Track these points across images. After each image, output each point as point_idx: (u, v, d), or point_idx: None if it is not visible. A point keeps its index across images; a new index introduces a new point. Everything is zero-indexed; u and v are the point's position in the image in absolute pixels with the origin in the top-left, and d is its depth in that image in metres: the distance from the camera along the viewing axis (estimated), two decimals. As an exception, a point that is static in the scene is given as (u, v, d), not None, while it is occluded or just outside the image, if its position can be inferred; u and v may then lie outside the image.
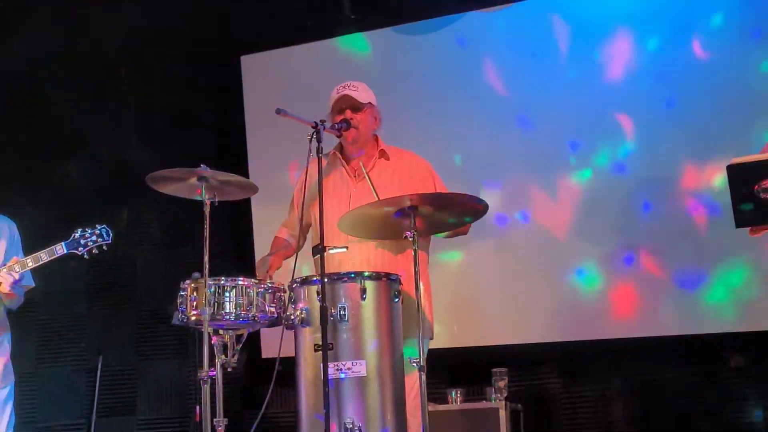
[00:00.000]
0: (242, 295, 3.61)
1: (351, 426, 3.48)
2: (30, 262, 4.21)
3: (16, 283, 4.14)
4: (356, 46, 6.06)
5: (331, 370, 3.43)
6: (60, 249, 4.22)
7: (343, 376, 3.50)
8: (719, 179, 5.00)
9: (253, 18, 6.18)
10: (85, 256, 4.28)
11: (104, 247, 4.30)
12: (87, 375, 5.62)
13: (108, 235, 4.29)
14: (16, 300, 4.36)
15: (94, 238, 4.27)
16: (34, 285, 4.47)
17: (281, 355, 3.71)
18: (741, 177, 3.08)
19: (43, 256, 4.21)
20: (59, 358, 5.20)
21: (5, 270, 4.15)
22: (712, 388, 5.13)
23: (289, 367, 3.73)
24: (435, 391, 4.39)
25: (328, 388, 3.38)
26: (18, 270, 4.16)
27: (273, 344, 4.16)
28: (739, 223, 3.26)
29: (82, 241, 4.25)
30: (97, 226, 4.28)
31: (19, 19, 6.03)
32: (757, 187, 3.04)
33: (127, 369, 5.76)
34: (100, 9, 5.99)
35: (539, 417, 5.28)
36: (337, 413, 3.46)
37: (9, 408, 4.32)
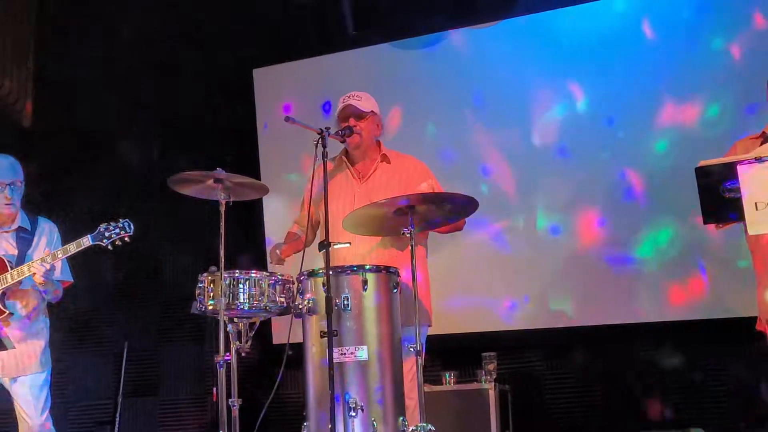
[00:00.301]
0: (255, 287, 3.69)
1: (354, 405, 3.54)
2: (60, 254, 4.28)
3: (47, 273, 4.22)
4: (359, 59, 6.14)
5: (335, 355, 3.50)
6: (86, 241, 4.25)
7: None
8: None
9: (262, 35, 6.27)
10: (109, 248, 4.30)
11: (126, 239, 4.30)
12: (114, 359, 5.70)
13: (130, 227, 4.30)
14: (53, 291, 4.43)
15: (117, 230, 4.28)
16: (72, 281, 4.57)
17: (290, 341, 3.78)
18: (707, 178, 3.15)
19: (71, 248, 4.27)
20: (89, 344, 5.26)
21: (38, 261, 4.24)
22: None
23: (297, 352, 3.80)
24: (430, 374, 4.44)
25: (333, 371, 3.46)
26: (49, 261, 4.24)
27: (283, 331, 4.29)
28: (706, 220, 3.35)
29: (107, 234, 4.27)
30: (120, 219, 4.30)
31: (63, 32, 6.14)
32: (723, 186, 3.11)
33: (150, 354, 5.84)
34: (133, 24, 6.11)
35: (525, 397, 5.36)
36: (341, 394, 3.53)
37: (45, 392, 4.39)
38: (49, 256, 4.27)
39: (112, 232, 4.29)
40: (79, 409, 5.01)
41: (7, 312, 4.28)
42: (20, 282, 4.28)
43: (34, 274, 4.21)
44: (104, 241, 4.28)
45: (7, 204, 4.38)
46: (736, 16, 5.44)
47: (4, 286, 4.26)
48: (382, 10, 6.04)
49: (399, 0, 5.99)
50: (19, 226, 4.47)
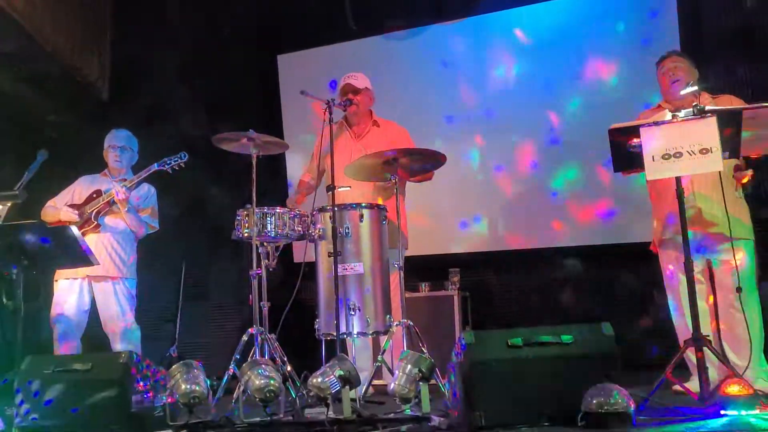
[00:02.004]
0: (279, 219, 3.73)
1: (353, 307, 3.62)
2: (135, 179, 4.38)
3: (126, 195, 4.28)
4: (358, 47, 6.02)
5: (339, 269, 3.56)
6: (152, 168, 4.36)
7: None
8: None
9: (285, 29, 6.18)
10: (170, 171, 4.38)
11: (182, 165, 4.38)
12: (175, 274, 5.70)
13: (185, 156, 4.38)
14: (136, 224, 4.46)
15: (176, 159, 4.36)
16: (158, 228, 4.61)
17: (306, 260, 3.89)
18: (617, 136, 3.13)
19: (143, 174, 4.37)
20: (157, 264, 5.24)
21: (120, 183, 4.33)
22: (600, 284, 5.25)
23: (310, 267, 3.86)
24: (409, 284, 4.46)
25: (338, 281, 3.52)
26: (128, 185, 4.34)
27: (300, 252, 4.37)
28: (616, 168, 3.34)
29: (167, 161, 4.36)
30: (180, 153, 4.39)
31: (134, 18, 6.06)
32: (629, 143, 3.10)
33: (202, 270, 5.85)
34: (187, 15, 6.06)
35: (481, 302, 5.36)
36: (343, 298, 3.59)
37: (133, 295, 4.46)
38: (128, 182, 4.37)
39: (172, 160, 4.37)
40: (151, 311, 5.02)
41: (95, 223, 4.34)
42: (109, 203, 4.33)
43: (116, 193, 4.27)
44: (165, 166, 4.36)
45: (116, 161, 4.53)
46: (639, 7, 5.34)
47: (98, 206, 4.33)
48: (376, 9, 5.94)
49: (389, 1, 5.89)
50: (124, 178, 4.49)
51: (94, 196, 4.37)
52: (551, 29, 5.53)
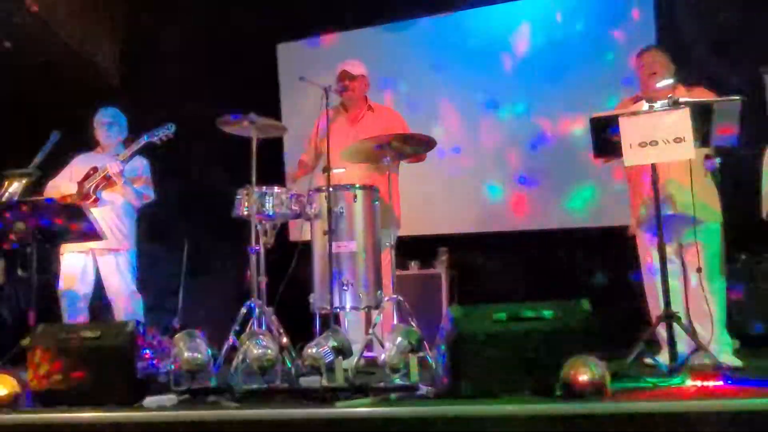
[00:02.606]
0: (277, 198, 3.66)
1: (345, 282, 3.58)
2: (128, 152, 4.27)
3: (121, 168, 4.19)
4: (356, 36, 5.96)
5: (333, 247, 3.53)
6: (142, 140, 4.25)
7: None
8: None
9: (284, 17, 6.07)
10: (158, 143, 4.26)
11: (171, 136, 4.27)
12: (178, 252, 5.62)
13: (171, 128, 4.26)
14: (132, 195, 4.38)
15: (164, 129, 4.25)
16: (153, 197, 4.52)
17: (302, 239, 3.83)
18: (597, 125, 3.12)
19: (134, 146, 4.27)
20: (161, 239, 5.18)
21: (114, 157, 4.25)
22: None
23: (306, 245, 3.80)
24: (399, 262, 4.42)
25: (332, 258, 3.50)
26: (121, 158, 4.23)
27: (295, 232, 4.30)
28: (596, 155, 3.32)
29: (155, 132, 4.24)
30: (166, 123, 4.28)
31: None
32: (609, 131, 3.08)
33: (205, 246, 5.78)
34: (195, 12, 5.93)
35: (468, 280, 5.35)
36: (337, 275, 3.56)
37: (133, 266, 4.42)
38: (121, 155, 4.27)
39: (160, 130, 4.25)
40: (155, 285, 4.96)
41: (94, 197, 4.25)
42: (105, 177, 4.24)
43: (110, 167, 4.19)
44: (154, 137, 4.25)
45: (106, 136, 4.44)
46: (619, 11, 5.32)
47: (95, 181, 4.25)
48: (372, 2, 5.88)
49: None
50: (116, 153, 4.40)
51: (91, 172, 4.29)
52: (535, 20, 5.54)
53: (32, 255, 3.76)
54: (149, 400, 2.75)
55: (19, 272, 3.88)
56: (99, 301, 4.40)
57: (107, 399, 2.79)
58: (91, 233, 3.77)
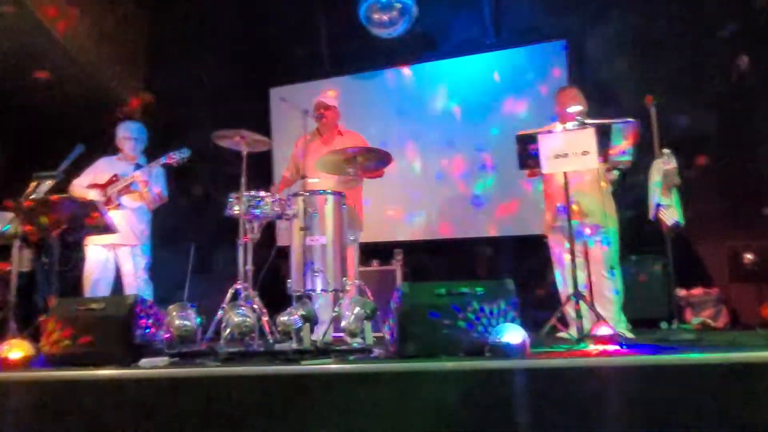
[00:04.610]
0: (262, 201, 3.51)
1: (317, 270, 3.42)
2: (147, 168, 4.10)
3: (145, 178, 4.03)
4: (332, 83, 5.79)
5: (307, 241, 3.39)
6: (161, 160, 4.07)
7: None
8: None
9: (277, 65, 5.99)
10: (173, 165, 4.08)
11: (185, 160, 4.07)
12: (185, 251, 5.34)
13: (187, 152, 4.08)
14: (151, 200, 4.19)
15: (180, 154, 4.06)
16: (167, 199, 4.31)
17: (281, 233, 3.69)
18: (523, 141, 3.05)
19: (154, 164, 4.10)
20: (169, 242, 4.90)
21: (139, 171, 4.07)
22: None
23: (286, 238, 3.62)
24: (363, 260, 4.30)
25: (306, 249, 3.36)
26: (146, 171, 4.07)
27: (282, 237, 4.14)
28: (521, 166, 3.24)
29: (173, 155, 4.05)
30: (182, 147, 4.09)
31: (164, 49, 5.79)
32: (530, 147, 3.02)
33: (207, 244, 5.49)
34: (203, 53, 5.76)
35: (418, 276, 5.09)
36: (310, 264, 3.41)
37: (146, 257, 4.23)
38: (147, 167, 4.12)
39: (176, 154, 4.07)
40: (166, 281, 4.69)
41: (116, 203, 4.09)
42: (128, 185, 4.07)
43: (137, 175, 4.05)
44: (172, 160, 4.06)
45: (131, 149, 4.25)
46: (541, 67, 5.31)
47: (118, 188, 4.08)
48: (345, 55, 5.81)
49: (355, 49, 5.68)
50: (137, 163, 4.23)
51: (114, 179, 4.10)
52: (479, 75, 5.50)
53: (55, 244, 3.53)
54: (144, 362, 2.56)
55: (43, 259, 3.63)
56: (118, 288, 4.17)
57: (108, 361, 2.59)
58: (106, 227, 3.56)
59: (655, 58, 4.76)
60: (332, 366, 2.32)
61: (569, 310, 3.24)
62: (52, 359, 2.72)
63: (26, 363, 2.62)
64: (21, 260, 4.04)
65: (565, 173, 2.99)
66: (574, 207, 3.43)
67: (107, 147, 4.37)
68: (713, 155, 4.51)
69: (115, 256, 4.14)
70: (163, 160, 4.08)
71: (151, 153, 4.34)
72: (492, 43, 5.47)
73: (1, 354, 2.58)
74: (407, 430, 2.10)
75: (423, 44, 5.51)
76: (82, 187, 4.14)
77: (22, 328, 3.15)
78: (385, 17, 4.79)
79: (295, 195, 3.56)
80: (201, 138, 5.18)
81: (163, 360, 2.58)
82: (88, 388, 2.36)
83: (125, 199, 4.14)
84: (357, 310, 2.67)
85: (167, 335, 2.76)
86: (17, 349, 2.64)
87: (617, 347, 2.51)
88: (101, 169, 4.22)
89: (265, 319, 3.36)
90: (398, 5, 4.78)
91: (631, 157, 3.15)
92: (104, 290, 4.06)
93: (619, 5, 4.88)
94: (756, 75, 4.44)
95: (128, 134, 4.27)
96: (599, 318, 2.89)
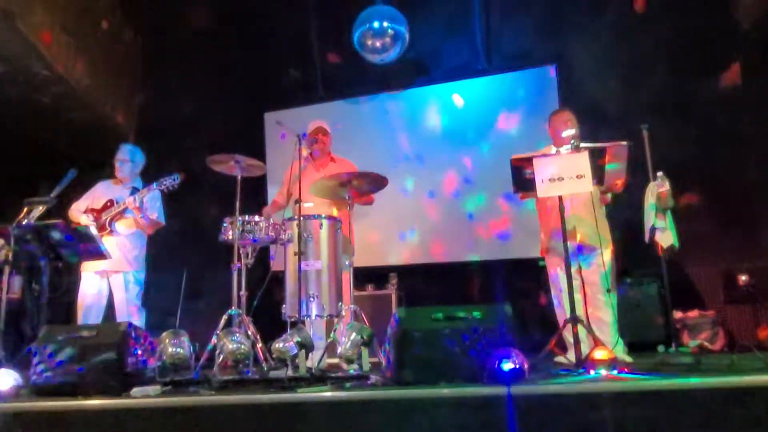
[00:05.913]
0: (256, 226, 3.48)
1: (312, 294, 3.39)
2: (140, 194, 4.04)
3: (138, 204, 3.97)
4: (325, 108, 5.90)
5: (302, 265, 3.36)
6: (152, 186, 4.00)
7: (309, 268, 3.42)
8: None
9: (271, 92, 6.01)
10: (166, 191, 4.02)
11: (176, 186, 3.99)
12: (177, 277, 5.28)
13: (177, 178, 4.00)
14: (146, 226, 4.15)
15: (170, 180, 3.99)
16: (164, 224, 4.27)
17: (275, 259, 3.64)
18: (517, 165, 3.06)
19: (146, 192, 4.04)
20: (163, 267, 4.84)
21: (132, 197, 4.02)
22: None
23: (279, 262, 3.60)
24: (358, 285, 4.27)
25: (301, 274, 3.32)
26: (138, 197, 4.01)
27: (277, 262, 4.04)
28: (516, 190, 3.24)
29: (164, 181, 3.99)
30: (173, 173, 4.02)
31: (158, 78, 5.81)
32: (524, 170, 3.02)
33: (199, 269, 5.44)
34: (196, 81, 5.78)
35: (412, 300, 5.11)
36: (305, 289, 3.38)
37: (139, 284, 4.17)
38: (138, 194, 4.05)
39: (167, 180, 4.01)
40: (158, 307, 4.61)
41: (110, 230, 4.05)
42: (122, 211, 4.04)
43: (129, 202, 4.00)
44: (162, 186, 4.00)
45: (127, 171, 4.23)
46: (533, 91, 5.37)
47: (111, 215, 4.05)
48: (338, 80, 5.84)
49: (349, 74, 5.75)
50: (133, 186, 4.20)
51: (108, 204, 4.08)
52: (471, 98, 5.55)
53: (45, 271, 3.48)
54: (136, 390, 2.49)
55: (33, 285, 3.57)
56: (110, 315, 4.10)
57: (99, 391, 2.53)
58: (97, 253, 3.52)
59: (643, 80, 4.83)
60: (329, 394, 2.28)
61: (566, 334, 3.22)
62: (41, 389, 2.65)
63: (14, 393, 2.56)
64: (10, 287, 4.00)
65: (560, 196, 3.00)
66: (570, 229, 3.44)
67: (103, 170, 4.36)
68: (704, 176, 4.56)
69: (108, 283, 4.09)
70: (154, 186, 4.04)
71: (146, 176, 4.33)
72: (484, 69, 5.54)
73: (-11, 384, 2.52)
74: (405, 458, 2.06)
75: (416, 70, 5.58)
76: (80, 211, 4.12)
77: (9, 357, 3.09)
78: (378, 43, 4.87)
79: (290, 219, 3.54)
80: (195, 162, 5.24)
81: (154, 389, 2.52)
82: (78, 418, 2.30)
83: (119, 226, 4.12)
84: (354, 336, 2.64)
85: (159, 361, 2.70)
86: (5, 379, 2.58)
87: (616, 372, 2.48)
88: (99, 193, 4.20)
89: (259, 345, 3.32)
90: (391, 32, 4.85)
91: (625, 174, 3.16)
92: (96, 317, 3.99)
93: (608, 29, 4.97)
94: (744, 93, 4.52)
95: (123, 156, 4.25)
96: (597, 342, 2.87)
